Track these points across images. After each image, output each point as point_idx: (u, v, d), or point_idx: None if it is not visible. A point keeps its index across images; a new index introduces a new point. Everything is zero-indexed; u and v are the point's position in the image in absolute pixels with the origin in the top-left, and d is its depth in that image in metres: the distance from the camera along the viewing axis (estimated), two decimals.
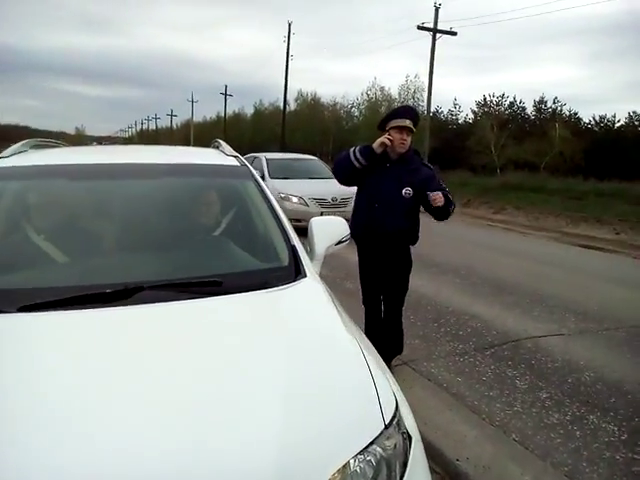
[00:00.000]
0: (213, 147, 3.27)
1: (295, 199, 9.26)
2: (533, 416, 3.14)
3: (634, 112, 36.98)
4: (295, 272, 2.00)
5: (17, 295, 1.69)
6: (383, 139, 3.37)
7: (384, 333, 3.65)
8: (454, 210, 3.49)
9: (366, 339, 1.89)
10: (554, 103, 40.35)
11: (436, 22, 21.92)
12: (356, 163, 3.42)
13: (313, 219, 2.50)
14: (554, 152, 31.60)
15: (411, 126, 3.37)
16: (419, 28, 21.86)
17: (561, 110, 39.54)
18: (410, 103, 40.02)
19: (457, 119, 46.29)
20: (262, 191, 2.46)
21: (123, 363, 1.40)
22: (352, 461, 1.23)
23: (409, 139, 3.39)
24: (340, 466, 1.20)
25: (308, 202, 9.18)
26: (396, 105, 41.39)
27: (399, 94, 41.21)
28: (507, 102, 41.72)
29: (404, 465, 1.34)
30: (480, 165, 33.33)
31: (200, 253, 2.14)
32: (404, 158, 3.44)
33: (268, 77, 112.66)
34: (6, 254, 2.02)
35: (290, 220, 7.59)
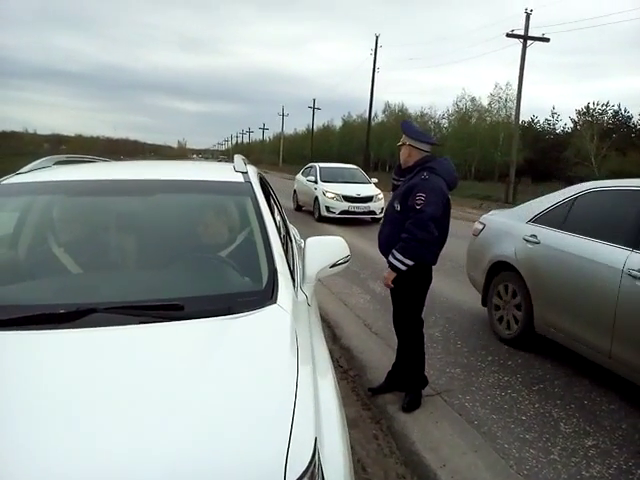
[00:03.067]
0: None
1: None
2: (570, 467, 2.76)
3: None
4: (268, 297, 1.88)
5: None
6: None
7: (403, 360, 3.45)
8: (421, 237, 3.05)
9: (328, 377, 1.72)
10: None
11: (527, 29, 20.85)
12: (393, 182, 3.52)
13: (309, 239, 2.37)
14: None
15: (400, 142, 3.33)
16: (508, 36, 20.90)
17: None
18: (502, 112, 38.51)
19: (554, 129, 43.94)
20: (258, 209, 2.35)
21: (50, 386, 1.38)
22: None
23: (402, 153, 3.33)
24: None
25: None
26: (487, 115, 40.02)
27: (489, 104, 39.76)
28: (611, 111, 38.84)
29: None
30: (578, 177, 31.20)
31: (171, 274, 2.08)
32: (409, 170, 3.30)
33: (356, 89, 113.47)
34: None
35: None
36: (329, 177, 13.64)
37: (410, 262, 3.10)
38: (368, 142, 35.88)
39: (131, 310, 1.73)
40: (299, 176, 15.52)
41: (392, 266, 3.14)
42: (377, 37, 34.41)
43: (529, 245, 4.24)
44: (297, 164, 64.56)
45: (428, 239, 3.08)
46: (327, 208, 12.66)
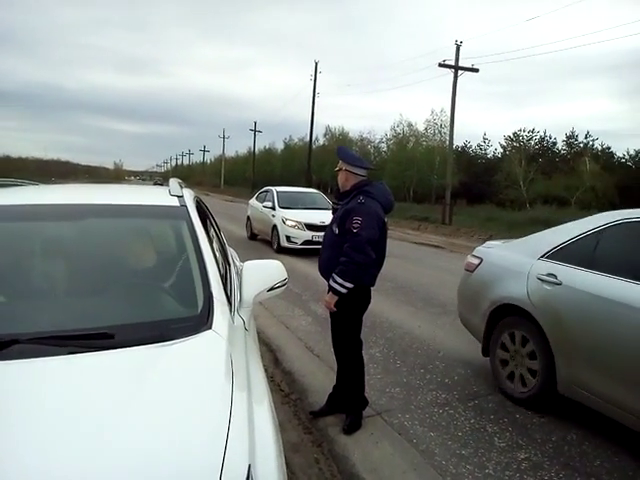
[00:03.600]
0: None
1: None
2: None
3: None
4: (203, 322, 1.86)
5: None
6: None
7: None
8: (358, 260, 3.12)
9: (264, 404, 1.70)
10: (585, 137, 39.83)
11: (457, 59, 21.92)
12: (335, 207, 3.50)
13: (245, 263, 2.38)
14: (585, 187, 30.85)
15: (340, 167, 3.37)
16: (440, 65, 21.88)
17: (593, 144, 38.94)
18: (437, 138, 40.05)
19: (486, 153, 46.15)
20: (193, 233, 2.33)
21: None
22: None
23: (338, 178, 3.40)
24: None
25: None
26: (423, 140, 41.52)
27: (425, 129, 41.29)
28: (537, 137, 41.29)
29: None
30: (508, 200, 32.84)
31: (102, 301, 2.02)
32: (346, 194, 3.35)
33: (298, 114, 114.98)
34: None
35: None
36: (288, 203, 12.26)
37: (350, 285, 3.15)
38: (310, 165, 36.29)
39: (57, 340, 1.66)
40: (253, 201, 14.20)
41: (333, 290, 3.18)
42: (316, 63, 35.13)
43: (546, 286, 3.56)
44: (239, 186, 64.31)
45: (365, 262, 3.13)
46: (288, 238, 11.25)
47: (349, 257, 3.11)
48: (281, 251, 11.24)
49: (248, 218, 14.28)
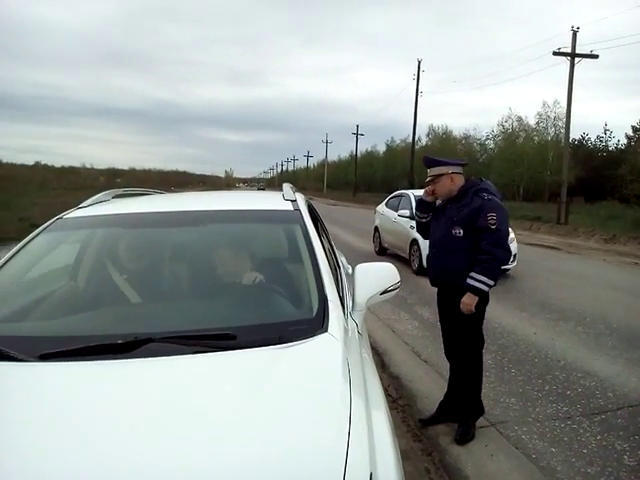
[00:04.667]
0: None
1: None
2: None
3: None
4: (319, 325, 1.89)
5: (37, 342, 1.81)
6: (425, 189, 3.38)
7: (460, 390, 3.33)
8: (500, 256, 3.07)
9: (382, 409, 1.69)
10: None
11: (574, 46, 20.42)
12: (419, 219, 3.50)
13: (358, 266, 2.37)
14: None
15: (433, 174, 3.27)
16: (555, 54, 20.52)
17: None
18: (551, 131, 37.65)
19: (607, 146, 42.39)
20: (307, 237, 2.37)
21: (111, 417, 1.42)
22: None
23: (438, 187, 3.27)
24: None
25: None
26: (534, 135, 39.18)
27: (537, 123, 38.94)
28: None
29: None
30: (633, 195, 29.89)
31: (223, 303, 2.12)
32: (456, 197, 3.22)
33: (399, 115, 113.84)
34: (46, 301, 2.20)
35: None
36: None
37: (492, 283, 3.06)
38: (412, 166, 35.74)
39: (185, 340, 1.77)
40: (382, 208, 11.90)
41: (475, 290, 3.05)
42: (419, 62, 34.59)
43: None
44: (341, 189, 65.01)
45: (505, 257, 3.09)
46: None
47: (491, 254, 3.04)
48: (422, 272, 8.16)
49: (376, 229, 12.00)
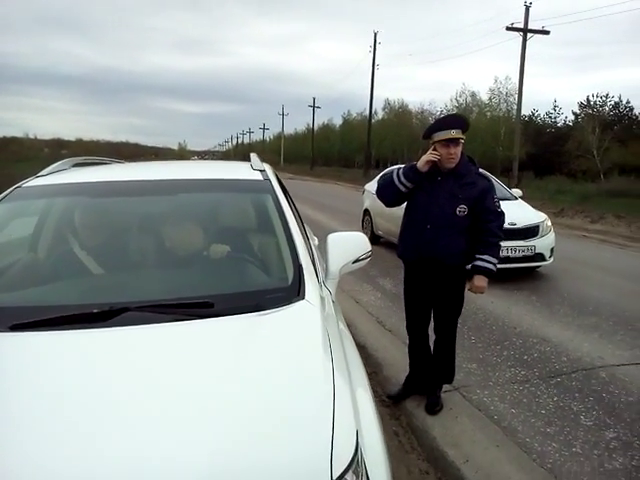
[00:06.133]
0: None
1: None
2: (593, 459, 2.76)
3: None
4: (295, 293, 1.89)
5: (6, 313, 1.73)
6: (429, 156, 3.03)
7: (433, 361, 3.41)
8: (502, 238, 3.18)
9: (359, 368, 1.73)
10: None
11: (526, 22, 20.79)
12: (402, 187, 3.14)
13: (330, 235, 2.37)
14: None
15: (459, 136, 2.98)
16: (508, 29, 20.86)
17: None
18: (503, 107, 38.38)
19: (556, 122, 43.79)
20: (279, 206, 2.36)
21: (90, 385, 1.39)
22: None
23: (458, 151, 3.02)
24: None
25: None
26: (487, 110, 39.90)
27: (489, 98, 39.64)
28: (611, 102, 38.71)
29: None
30: (580, 170, 31.14)
31: (198, 272, 2.09)
32: (457, 170, 3.08)
33: (356, 87, 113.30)
34: (9, 271, 2.10)
35: None
36: None
37: (497, 263, 3.13)
38: (369, 140, 35.86)
39: (162, 308, 1.73)
40: (374, 186, 9.41)
41: (487, 271, 3.10)
42: (375, 34, 34.45)
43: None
44: (298, 163, 64.62)
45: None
46: None
47: (500, 237, 3.13)
48: None
49: (366, 212, 9.86)
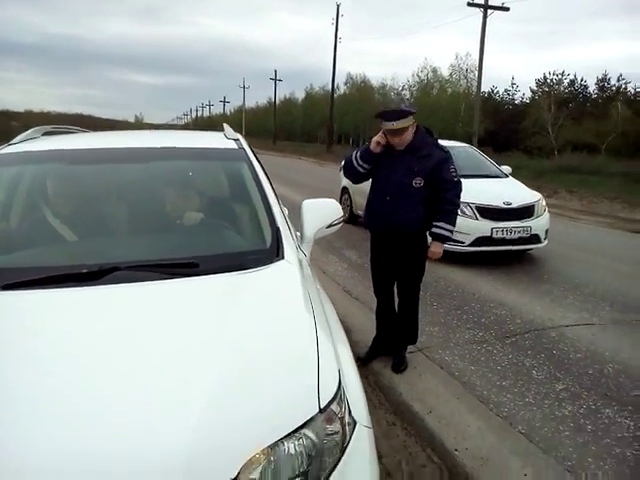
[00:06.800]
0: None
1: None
2: (544, 408, 3.03)
3: None
4: (274, 254, 2.01)
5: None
6: (378, 139, 3.27)
7: (398, 323, 3.61)
8: (459, 206, 3.41)
9: (337, 324, 1.89)
10: (618, 81, 38.13)
11: None
12: (360, 169, 3.40)
13: (304, 201, 2.48)
14: (616, 133, 29.84)
15: (400, 127, 3.18)
16: (469, 4, 21.08)
17: (625, 88, 37.30)
18: (462, 84, 38.88)
19: (513, 99, 44.66)
20: (254, 173, 2.47)
21: (85, 339, 1.47)
22: (279, 445, 1.23)
23: (404, 137, 3.24)
24: (261, 449, 1.20)
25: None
26: (447, 86, 40.33)
27: (450, 74, 40.06)
28: (567, 80, 39.70)
29: (342, 452, 1.32)
30: (536, 147, 32.05)
31: (181, 235, 2.19)
32: (413, 145, 3.28)
33: (318, 61, 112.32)
34: None
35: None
36: None
37: (454, 229, 3.35)
38: (332, 115, 35.80)
39: (151, 268, 1.83)
40: None
41: (442, 237, 3.33)
42: (338, 6, 34.08)
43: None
44: (260, 137, 63.84)
45: (459, 207, 3.42)
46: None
47: (456, 205, 3.34)
48: None
49: (345, 191, 9.01)
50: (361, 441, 1.40)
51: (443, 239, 3.35)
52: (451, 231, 3.33)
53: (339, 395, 1.39)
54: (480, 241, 6.16)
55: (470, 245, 6.17)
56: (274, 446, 1.22)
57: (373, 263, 3.65)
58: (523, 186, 7.21)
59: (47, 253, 2.06)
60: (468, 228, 6.06)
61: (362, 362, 3.66)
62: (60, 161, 2.47)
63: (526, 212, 6.40)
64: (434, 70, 42.92)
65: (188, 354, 1.41)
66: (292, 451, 1.24)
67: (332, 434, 1.32)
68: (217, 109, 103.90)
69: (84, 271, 1.76)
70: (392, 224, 3.35)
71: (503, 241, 6.22)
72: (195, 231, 2.24)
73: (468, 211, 6.15)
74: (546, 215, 6.70)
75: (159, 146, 2.66)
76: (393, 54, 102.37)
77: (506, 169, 7.81)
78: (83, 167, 2.45)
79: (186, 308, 1.66)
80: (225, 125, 3.11)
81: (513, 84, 44.38)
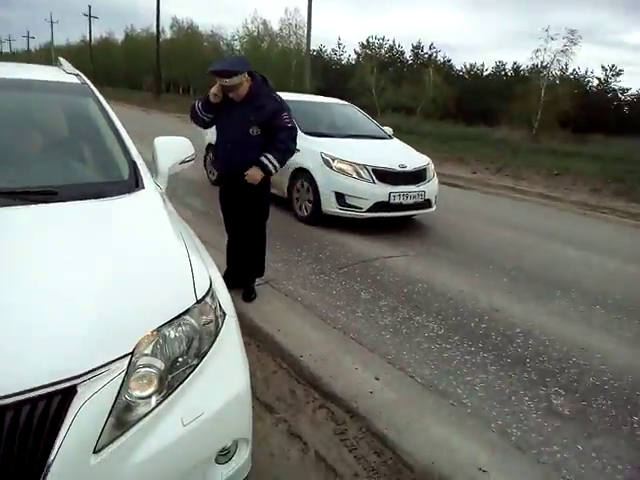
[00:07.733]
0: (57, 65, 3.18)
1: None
2: (370, 320, 3.67)
3: (500, 62, 39.74)
4: (134, 185, 2.12)
5: None
6: (215, 90, 3.51)
7: (247, 258, 3.97)
8: (293, 149, 3.78)
9: (201, 246, 2.11)
10: (430, 49, 42.09)
11: None
12: (205, 118, 3.69)
13: (157, 139, 2.56)
14: (428, 97, 33.21)
15: (234, 83, 3.40)
16: None
17: (436, 57, 41.39)
18: (292, 40, 39.36)
19: (341, 60, 46.61)
20: (103, 108, 2.51)
21: None
22: (166, 329, 1.46)
23: (238, 90, 3.47)
24: (150, 331, 1.42)
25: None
26: (278, 41, 40.48)
27: (280, 29, 40.27)
28: (387, 45, 42.63)
29: (215, 336, 1.61)
30: (362, 107, 34.08)
31: (40, 165, 2.19)
32: (249, 96, 3.54)
33: (138, 0, 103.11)
34: None
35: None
36: (314, 126, 6.61)
37: (279, 167, 3.69)
38: (159, 61, 33.77)
39: (9, 195, 1.80)
40: None
41: (262, 165, 3.61)
42: None
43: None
44: None
45: (294, 151, 3.77)
46: (340, 198, 5.90)
47: (287, 145, 3.65)
48: (315, 222, 6.08)
49: (211, 148, 7.43)
50: (230, 328, 1.70)
51: (263, 167, 3.62)
52: (273, 164, 3.64)
53: (211, 292, 1.65)
54: (378, 206, 5.85)
55: (368, 211, 5.87)
56: (161, 329, 1.45)
57: (222, 203, 3.98)
58: (411, 148, 6.95)
59: None
60: (366, 193, 5.80)
61: None
62: None
63: (420, 176, 6.19)
64: (264, 23, 42.71)
65: (74, 264, 1.52)
66: (176, 333, 1.48)
67: (207, 323, 1.59)
68: (19, 45, 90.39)
69: None
70: (233, 169, 3.69)
71: (400, 206, 5.98)
72: (52, 163, 2.25)
73: (365, 174, 5.86)
74: (436, 180, 6.48)
75: (6, 77, 2.53)
76: (222, 2, 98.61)
77: (388, 130, 7.45)
78: None
79: (56, 229, 1.71)
80: (61, 59, 3.05)
81: (340, 44, 46.41)
